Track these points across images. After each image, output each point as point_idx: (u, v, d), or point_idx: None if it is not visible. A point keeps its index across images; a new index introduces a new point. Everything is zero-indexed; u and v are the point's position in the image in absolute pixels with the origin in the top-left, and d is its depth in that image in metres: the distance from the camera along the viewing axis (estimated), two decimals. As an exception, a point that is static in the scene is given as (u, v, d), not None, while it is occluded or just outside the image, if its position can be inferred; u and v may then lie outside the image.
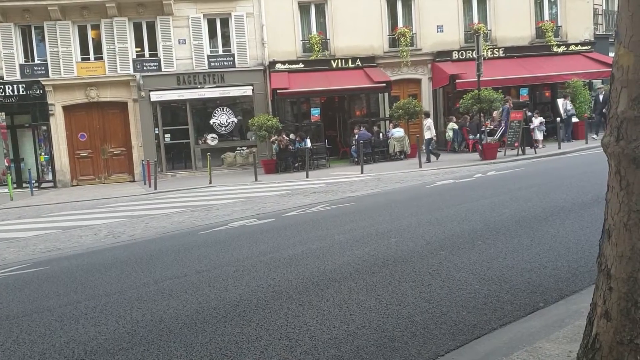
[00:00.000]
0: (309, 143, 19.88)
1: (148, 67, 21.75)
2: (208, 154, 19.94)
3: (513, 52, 23.10)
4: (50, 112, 21.30)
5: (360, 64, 22.47)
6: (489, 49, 22.45)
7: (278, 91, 20.76)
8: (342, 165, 20.77)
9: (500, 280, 4.50)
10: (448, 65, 22.33)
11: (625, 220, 2.18)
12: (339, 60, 22.47)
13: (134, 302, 4.88)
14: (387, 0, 22.89)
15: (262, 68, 22.20)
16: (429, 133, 18.51)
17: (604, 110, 19.86)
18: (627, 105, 2.14)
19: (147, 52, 21.95)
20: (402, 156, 20.22)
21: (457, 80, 21.22)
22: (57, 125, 21.47)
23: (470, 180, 11.92)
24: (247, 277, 5.38)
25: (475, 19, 23.38)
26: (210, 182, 17.46)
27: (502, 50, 23.15)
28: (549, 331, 3.35)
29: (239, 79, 21.98)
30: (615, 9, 2.40)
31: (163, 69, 21.77)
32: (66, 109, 21.65)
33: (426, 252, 5.67)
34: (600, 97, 20.48)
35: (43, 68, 21.36)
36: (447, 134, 21.91)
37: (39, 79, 21.14)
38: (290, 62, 22.20)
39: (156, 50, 21.86)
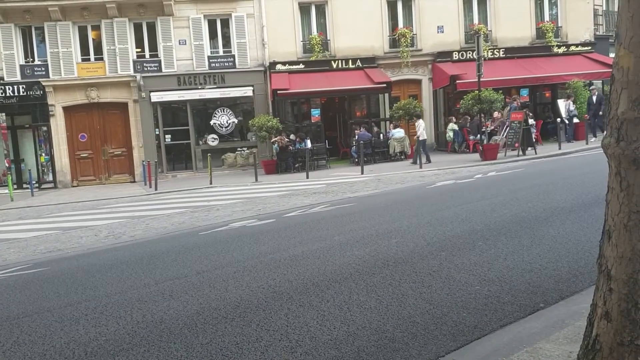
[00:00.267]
0: (309, 144, 19.88)
1: (148, 68, 21.76)
2: (208, 154, 19.94)
3: (513, 52, 23.09)
4: (51, 113, 21.30)
5: (360, 65, 22.47)
6: (489, 49, 22.45)
7: (278, 92, 20.76)
8: (343, 165, 20.77)
9: (501, 281, 4.50)
10: (448, 66, 22.33)
11: (626, 222, 2.18)
12: (340, 61, 22.47)
13: (135, 303, 4.88)
14: (387, 1, 22.88)
15: (263, 69, 22.20)
16: (422, 135, 18.41)
17: (600, 113, 19.90)
18: (627, 106, 2.14)
19: (147, 53, 21.95)
20: (402, 157, 20.21)
21: (457, 81, 21.20)
22: (58, 125, 21.46)
23: (471, 180, 11.92)
24: (248, 277, 5.38)
25: (476, 20, 23.37)
26: (211, 183, 17.46)
27: (502, 50, 23.15)
28: (549, 332, 3.35)
29: (239, 79, 21.98)
30: (616, 9, 2.40)
31: (163, 70, 21.77)
32: (66, 109, 21.65)
33: (427, 252, 5.67)
34: (594, 98, 20.45)
35: (43, 69, 21.36)
36: (447, 135, 21.91)
37: (40, 79, 21.13)
38: (291, 63, 22.20)
39: (157, 51, 21.86)
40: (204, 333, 3.97)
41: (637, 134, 2.12)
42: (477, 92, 17.87)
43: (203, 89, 21.81)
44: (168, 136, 22.41)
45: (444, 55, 22.89)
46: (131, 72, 21.55)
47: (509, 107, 19.14)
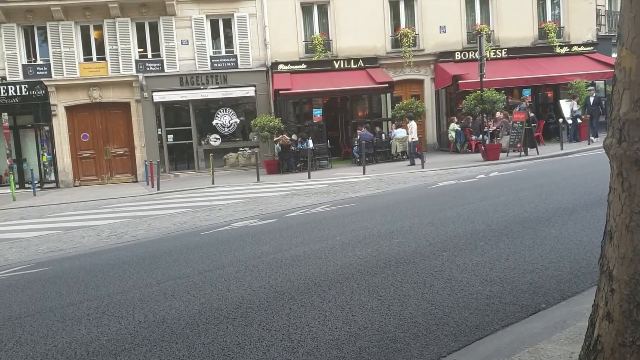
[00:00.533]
0: (311, 144, 19.88)
1: (151, 68, 21.78)
2: (211, 154, 19.94)
3: (516, 52, 23.07)
4: (53, 113, 21.33)
5: (362, 65, 22.48)
6: (491, 49, 22.44)
7: (280, 92, 20.77)
8: (344, 165, 20.77)
9: (503, 281, 4.50)
10: (451, 66, 22.32)
11: (627, 222, 2.18)
12: (342, 61, 22.47)
13: (137, 303, 4.89)
14: (389, 0, 22.88)
15: (265, 69, 22.21)
16: (415, 137, 18.37)
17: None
18: (629, 107, 2.14)
19: (149, 53, 21.98)
20: (404, 157, 20.18)
21: (459, 81, 21.18)
22: (60, 125, 21.50)
23: (473, 181, 11.91)
24: (250, 277, 5.38)
25: (478, 20, 23.36)
26: (213, 183, 17.48)
27: (504, 51, 23.13)
28: (550, 332, 3.35)
29: (241, 79, 22.00)
30: (618, 9, 2.40)
31: (166, 70, 21.79)
32: (69, 109, 21.69)
33: (429, 253, 5.67)
34: (591, 99, 20.36)
35: (46, 68, 21.40)
36: (449, 135, 21.92)
37: (42, 79, 21.17)
38: (293, 63, 22.21)
39: (159, 51, 21.89)
40: (205, 333, 3.97)
41: (639, 134, 2.12)
42: (480, 92, 17.85)
43: (205, 89, 21.83)
44: (170, 136, 22.44)
45: (447, 55, 22.88)
46: (133, 72, 21.58)
47: (518, 107, 19.12)
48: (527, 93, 23.05)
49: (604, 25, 25.35)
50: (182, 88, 21.79)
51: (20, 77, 21.22)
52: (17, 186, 20.31)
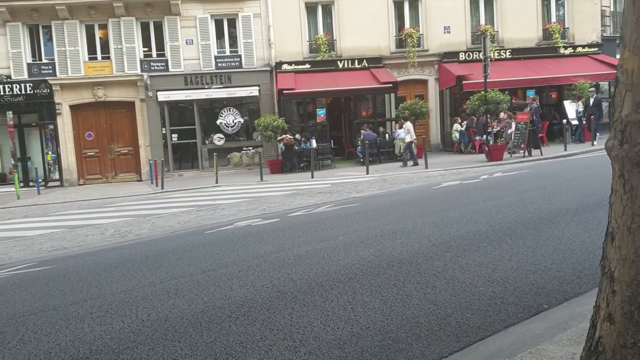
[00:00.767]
0: (314, 143, 19.89)
1: (155, 67, 21.84)
2: (215, 153, 19.97)
3: (520, 53, 23.02)
4: (58, 111, 21.40)
5: (366, 65, 22.47)
6: (495, 50, 22.39)
7: (284, 92, 20.80)
8: (348, 165, 20.77)
9: (505, 282, 4.50)
10: (455, 66, 22.29)
11: (629, 224, 2.18)
12: (346, 61, 22.47)
13: (140, 301, 4.91)
14: (394, 1, 22.87)
15: (269, 69, 22.24)
16: (409, 137, 18.34)
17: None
18: (631, 108, 2.14)
19: (154, 52, 22.03)
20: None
21: (463, 82, 21.17)
22: (64, 124, 21.57)
23: (477, 181, 11.90)
24: (252, 276, 5.40)
25: (482, 21, 23.32)
26: (217, 182, 17.51)
27: (509, 51, 23.08)
28: (552, 333, 3.35)
29: (245, 79, 22.03)
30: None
31: (170, 69, 21.85)
32: (73, 108, 21.75)
33: (431, 253, 5.67)
34: (591, 100, 20.27)
35: (50, 67, 21.48)
36: (453, 135, 21.90)
37: (47, 78, 21.24)
38: (297, 63, 22.23)
39: (163, 51, 21.94)
40: (208, 332, 3.99)
41: (641, 136, 2.12)
42: (484, 92, 17.83)
43: (210, 88, 21.88)
44: (175, 135, 22.49)
45: (451, 56, 22.85)
46: (138, 71, 21.63)
47: (529, 107, 19.08)
48: (531, 94, 22.98)
49: (609, 26, 25.27)
50: (186, 87, 21.84)
51: (25, 76, 21.30)
52: (22, 184, 20.38)
